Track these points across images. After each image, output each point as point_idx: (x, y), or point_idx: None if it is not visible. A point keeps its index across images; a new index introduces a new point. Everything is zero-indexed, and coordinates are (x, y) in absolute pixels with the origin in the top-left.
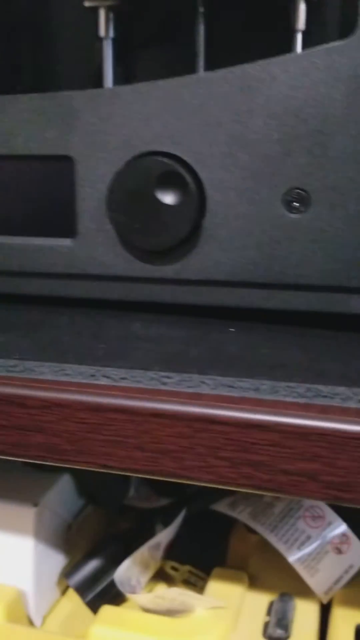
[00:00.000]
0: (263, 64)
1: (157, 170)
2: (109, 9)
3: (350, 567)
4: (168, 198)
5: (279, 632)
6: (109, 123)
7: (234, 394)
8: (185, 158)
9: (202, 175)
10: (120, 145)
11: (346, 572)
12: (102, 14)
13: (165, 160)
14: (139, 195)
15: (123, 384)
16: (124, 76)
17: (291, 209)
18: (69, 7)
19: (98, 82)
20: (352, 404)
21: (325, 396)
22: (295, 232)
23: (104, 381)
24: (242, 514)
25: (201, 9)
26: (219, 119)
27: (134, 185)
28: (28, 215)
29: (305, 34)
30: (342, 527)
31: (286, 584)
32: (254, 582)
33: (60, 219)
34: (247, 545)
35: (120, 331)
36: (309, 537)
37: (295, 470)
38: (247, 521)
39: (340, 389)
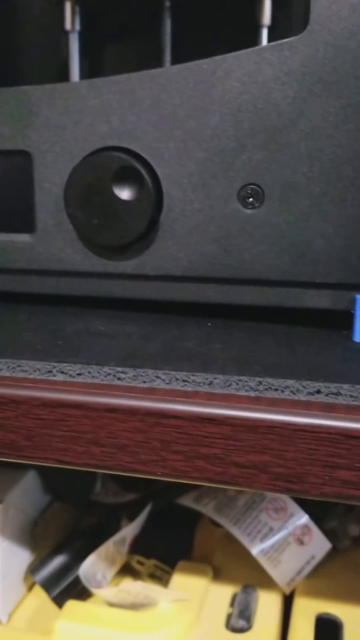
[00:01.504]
0: (217, 60)
1: (113, 165)
2: (75, 2)
3: (312, 557)
4: (125, 194)
5: (241, 623)
6: (67, 118)
7: (188, 388)
8: (142, 154)
9: (159, 170)
10: (77, 141)
11: (308, 563)
12: (67, 7)
13: (122, 155)
14: (96, 191)
15: (79, 379)
16: (91, 70)
17: (246, 205)
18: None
19: (65, 76)
20: (301, 397)
21: (275, 389)
22: (250, 227)
23: (60, 377)
24: (206, 508)
25: (167, 3)
26: (175, 115)
27: (91, 181)
28: None
29: (271, 29)
30: (303, 519)
31: (250, 576)
32: (219, 575)
33: (18, 215)
34: (213, 538)
35: (78, 327)
36: (271, 529)
37: (246, 463)
38: (211, 514)
39: (290, 382)
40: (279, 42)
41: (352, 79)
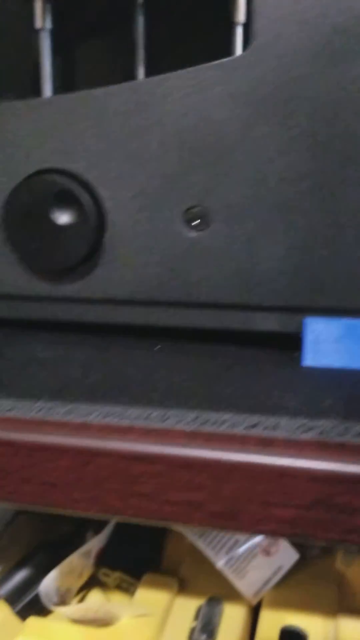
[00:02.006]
0: (158, 80)
1: (53, 188)
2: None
3: (279, 568)
4: (64, 217)
5: (203, 638)
6: (6, 139)
7: (124, 423)
8: (83, 176)
9: (101, 193)
10: (18, 162)
11: (275, 573)
12: (38, 4)
13: (61, 178)
14: (35, 214)
15: (10, 415)
16: (64, 69)
17: (191, 227)
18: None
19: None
20: (239, 430)
21: (213, 423)
22: (196, 250)
23: None
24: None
25: (140, 0)
26: (116, 136)
27: (30, 203)
28: None
29: (246, 26)
30: None
31: (217, 588)
32: (185, 587)
33: None
34: (181, 549)
35: (18, 353)
36: (237, 541)
37: (180, 501)
38: (176, 527)
39: (228, 415)
40: (221, 61)
41: (297, 99)
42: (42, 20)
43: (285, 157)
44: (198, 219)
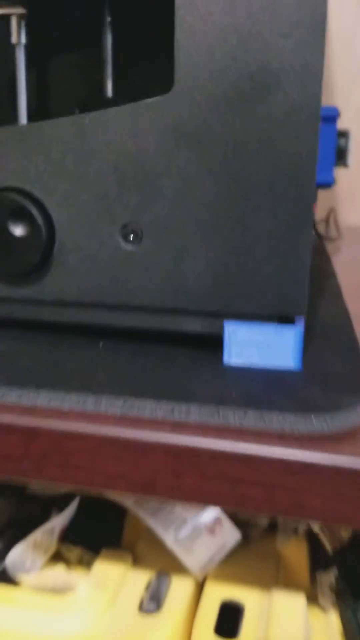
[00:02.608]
0: (98, 114)
1: (10, 204)
2: (20, 16)
3: (223, 546)
4: (19, 230)
5: (150, 606)
6: None
7: (64, 406)
8: (35, 195)
9: (51, 210)
10: None
11: (219, 551)
12: (13, 21)
13: (17, 196)
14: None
15: None
16: (37, 82)
17: (127, 241)
18: None
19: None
20: (159, 415)
21: (138, 408)
22: (131, 261)
23: None
24: (128, 501)
25: (108, 18)
26: (62, 162)
27: None
28: None
29: None
30: (215, 511)
31: (168, 563)
32: (139, 562)
33: None
34: (138, 529)
35: None
36: (184, 521)
37: (109, 472)
38: (131, 507)
39: (150, 402)
40: (150, 100)
41: (211, 134)
42: (17, 36)
43: (202, 184)
44: (132, 234)
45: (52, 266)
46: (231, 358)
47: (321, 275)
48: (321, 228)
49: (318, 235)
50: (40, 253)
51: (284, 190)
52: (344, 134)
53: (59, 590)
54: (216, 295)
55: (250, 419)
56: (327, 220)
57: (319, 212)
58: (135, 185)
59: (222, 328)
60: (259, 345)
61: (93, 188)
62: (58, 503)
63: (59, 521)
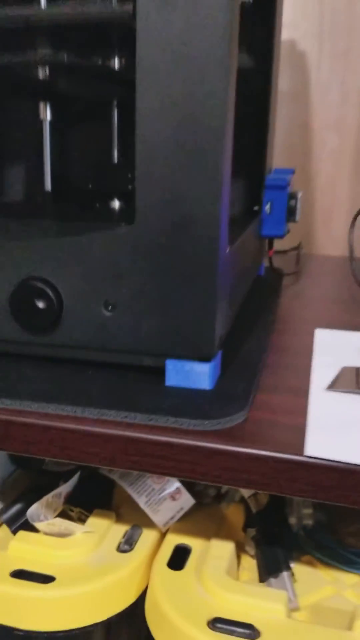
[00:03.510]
0: (98, 235)
1: (37, 289)
2: (45, 97)
3: (181, 509)
4: (41, 304)
5: (125, 547)
6: (4, 256)
7: (63, 412)
8: (53, 282)
9: (62, 292)
10: (12, 271)
11: (178, 512)
12: (41, 102)
13: (41, 284)
14: (26, 302)
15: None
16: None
17: (108, 310)
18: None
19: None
20: (112, 418)
21: (97, 414)
22: (109, 322)
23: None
24: (115, 475)
25: (115, 102)
26: (74, 264)
27: (23, 296)
28: None
29: None
30: (176, 484)
31: (140, 520)
32: (120, 518)
33: None
34: (122, 494)
35: (7, 372)
36: (153, 490)
37: (88, 452)
38: (117, 479)
39: (110, 410)
40: (114, 230)
41: (158, 253)
42: (44, 112)
43: (149, 283)
44: (110, 306)
45: (60, 324)
46: (170, 382)
47: (261, 310)
48: (291, 259)
49: (275, 270)
50: (54, 317)
51: (197, 281)
52: (293, 196)
53: (62, 534)
54: (161, 344)
55: (171, 421)
56: (298, 251)
57: (292, 242)
58: (113, 282)
59: (164, 363)
60: (187, 374)
61: (90, 281)
62: (64, 475)
63: (64, 488)
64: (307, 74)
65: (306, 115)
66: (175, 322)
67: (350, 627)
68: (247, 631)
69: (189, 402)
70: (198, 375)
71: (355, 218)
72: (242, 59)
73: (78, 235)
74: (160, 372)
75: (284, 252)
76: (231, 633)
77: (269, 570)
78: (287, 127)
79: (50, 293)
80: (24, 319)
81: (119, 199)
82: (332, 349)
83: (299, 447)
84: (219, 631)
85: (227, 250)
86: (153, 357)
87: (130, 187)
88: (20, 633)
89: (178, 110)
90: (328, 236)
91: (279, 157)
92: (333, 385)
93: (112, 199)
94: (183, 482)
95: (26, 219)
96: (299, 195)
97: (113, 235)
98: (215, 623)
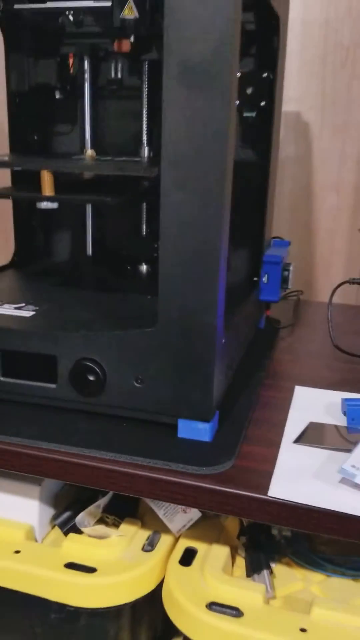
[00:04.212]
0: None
1: (88, 367)
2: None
3: (190, 520)
4: (91, 377)
5: (148, 548)
6: (68, 343)
7: (92, 455)
8: (99, 361)
9: (106, 368)
10: (71, 354)
11: (188, 522)
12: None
13: (91, 364)
14: (81, 378)
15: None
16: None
17: (137, 383)
18: None
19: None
20: (128, 460)
21: (114, 456)
22: (139, 392)
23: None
24: None
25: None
26: (115, 350)
27: (78, 375)
28: None
29: None
30: None
31: (160, 527)
32: (144, 526)
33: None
34: (146, 507)
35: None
36: (169, 505)
37: (111, 486)
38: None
39: (126, 456)
40: (141, 330)
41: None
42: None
43: (161, 361)
44: (139, 380)
45: (104, 391)
46: (181, 434)
47: (256, 364)
48: (290, 311)
49: (272, 324)
50: (100, 386)
51: (200, 366)
52: (286, 268)
53: (101, 537)
54: (175, 408)
55: (181, 467)
56: (297, 302)
57: (297, 286)
58: (141, 364)
59: (177, 421)
60: (193, 430)
61: (125, 363)
62: (102, 492)
63: (103, 501)
64: (310, 142)
65: (309, 177)
66: (184, 393)
67: (309, 612)
68: (234, 612)
69: (194, 452)
70: (200, 431)
71: (334, 291)
72: (244, 155)
73: (118, 330)
74: (174, 427)
75: (283, 298)
76: (223, 613)
77: (254, 568)
78: (292, 188)
79: (98, 370)
80: (79, 386)
81: (146, 263)
82: (305, 405)
83: (265, 489)
84: (214, 611)
85: (223, 341)
86: (169, 417)
87: (155, 254)
88: (71, 609)
89: (187, 258)
90: (327, 282)
91: (284, 212)
92: (299, 440)
93: (140, 263)
94: None
95: (74, 293)
96: (291, 267)
97: (142, 333)
98: (212, 606)
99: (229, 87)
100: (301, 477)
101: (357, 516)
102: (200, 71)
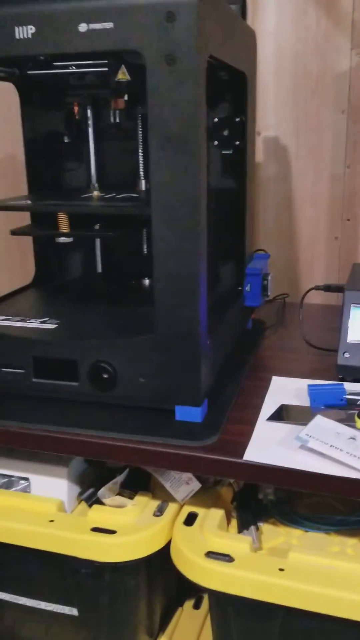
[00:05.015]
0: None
1: (104, 369)
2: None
3: (192, 490)
4: (105, 376)
5: (157, 513)
6: (86, 348)
7: (110, 436)
8: (112, 363)
9: (117, 368)
10: (88, 357)
11: (190, 492)
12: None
13: (106, 365)
14: (97, 375)
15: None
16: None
17: (142, 378)
18: None
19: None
20: (134, 438)
21: (122, 436)
22: (144, 386)
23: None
24: (150, 469)
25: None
26: (124, 357)
27: (95, 371)
28: None
29: None
30: (188, 475)
31: (167, 497)
32: (154, 497)
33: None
34: (155, 481)
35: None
36: (174, 478)
37: (119, 456)
38: (152, 472)
39: (135, 436)
40: (145, 337)
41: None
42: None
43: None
44: (143, 377)
45: (116, 386)
46: (178, 417)
47: (241, 360)
48: (278, 307)
49: (258, 324)
50: (112, 383)
51: (190, 364)
52: (265, 278)
53: (119, 506)
54: (172, 398)
55: (178, 442)
56: (282, 304)
57: (281, 289)
58: (144, 364)
59: (174, 407)
60: (187, 413)
61: (132, 373)
62: (118, 470)
63: (119, 478)
64: (288, 162)
65: (289, 192)
66: (179, 385)
67: (286, 556)
68: (226, 558)
69: (188, 430)
70: (193, 414)
71: (303, 296)
72: (225, 184)
73: (126, 338)
74: (172, 412)
75: (271, 301)
76: (217, 559)
77: (243, 526)
78: (275, 202)
79: (110, 370)
80: (96, 383)
81: (148, 278)
82: (279, 391)
83: (241, 455)
84: (210, 558)
85: (207, 343)
86: (167, 404)
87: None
88: (97, 564)
89: (174, 278)
90: (310, 284)
91: (269, 223)
92: (271, 418)
93: (143, 277)
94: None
95: (88, 306)
96: (270, 277)
97: (144, 339)
98: (209, 554)
99: (199, 150)
100: (270, 445)
101: (310, 472)
102: (176, 140)
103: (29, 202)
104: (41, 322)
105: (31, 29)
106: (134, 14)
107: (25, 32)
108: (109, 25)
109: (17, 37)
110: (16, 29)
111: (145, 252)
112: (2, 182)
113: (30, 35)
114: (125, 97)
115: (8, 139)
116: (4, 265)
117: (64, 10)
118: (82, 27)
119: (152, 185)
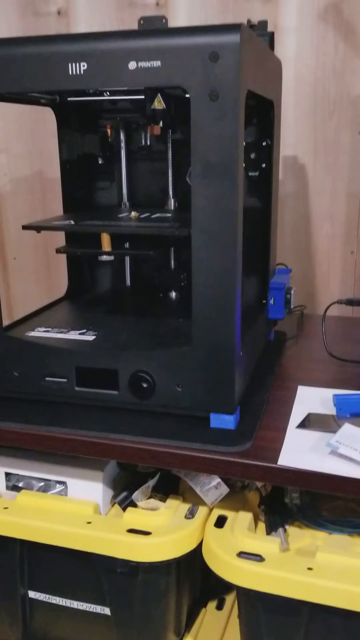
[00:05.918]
0: None
1: (144, 378)
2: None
3: (221, 494)
4: (144, 385)
5: (189, 516)
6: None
7: (138, 440)
8: (150, 372)
9: (155, 378)
10: (129, 368)
11: (219, 496)
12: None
13: (146, 375)
14: (137, 384)
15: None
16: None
17: (178, 388)
18: None
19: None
20: (173, 444)
21: (152, 440)
22: (181, 394)
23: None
24: (181, 474)
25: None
26: (150, 354)
27: (135, 381)
28: None
29: None
30: (217, 479)
31: (198, 501)
32: (185, 500)
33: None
34: (185, 486)
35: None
36: (204, 482)
37: (146, 460)
38: (182, 476)
39: (174, 440)
40: (184, 349)
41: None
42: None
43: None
44: (180, 386)
45: (155, 395)
46: (212, 424)
47: (267, 370)
48: (295, 324)
49: (279, 335)
50: (151, 391)
51: (224, 374)
52: (289, 292)
53: (152, 509)
54: (208, 406)
55: (214, 447)
56: (300, 316)
57: (300, 301)
58: (181, 374)
59: (209, 415)
60: (221, 421)
61: (169, 378)
62: (151, 474)
63: (152, 482)
64: (306, 180)
65: (306, 208)
66: (213, 394)
67: (314, 556)
68: (257, 558)
69: (223, 436)
70: (227, 421)
71: (326, 310)
72: (252, 203)
73: (164, 349)
74: (207, 419)
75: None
76: (249, 559)
77: (271, 528)
78: (293, 217)
79: (149, 379)
80: (135, 392)
81: (175, 291)
82: (306, 400)
83: (275, 460)
84: (242, 558)
85: (240, 354)
86: (203, 412)
87: (182, 283)
88: (133, 563)
89: (212, 295)
90: (326, 297)
91: (287, 238)
92: (300, 426)
93: (170, 290)
94: (222, 478)
95: (121, 318)
96: (292, 291)
97: (181, 350)
98: (241, 554)
99: (237, 178)
100: (301, 451)
101: (342, 476)
102: (217, 168)
103: (72, 222)
104: (80, 334)
105: (84, 65)
106: (180, 53)
107: (78, 68)
108: (156, 63)
109: (70, 73)
110: (69, 65)
111: (173, 267)
112: (31, 198)
113: (82, 72)
114: (161, 124)
115: (36, 157)
116: (32, 279)
117: (115, 49)
118: (132, 65)
119: (193, 209)
